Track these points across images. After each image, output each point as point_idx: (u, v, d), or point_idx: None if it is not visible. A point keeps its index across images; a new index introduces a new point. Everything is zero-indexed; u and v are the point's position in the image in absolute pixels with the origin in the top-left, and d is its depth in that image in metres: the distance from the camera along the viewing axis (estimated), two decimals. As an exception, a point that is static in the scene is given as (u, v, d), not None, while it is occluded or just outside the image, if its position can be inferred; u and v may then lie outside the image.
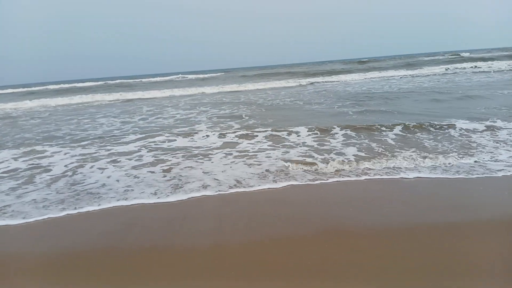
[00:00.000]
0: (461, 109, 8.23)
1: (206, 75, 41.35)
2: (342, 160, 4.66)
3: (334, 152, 5.22)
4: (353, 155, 4.99)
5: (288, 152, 5.37)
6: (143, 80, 40.82)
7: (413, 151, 4.92)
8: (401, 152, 4.92)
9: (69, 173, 5.00)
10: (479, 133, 5.79)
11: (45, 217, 3.48)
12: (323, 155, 5.09)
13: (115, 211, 3.55)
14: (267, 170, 4.51)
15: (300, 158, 4.95)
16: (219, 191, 3.91)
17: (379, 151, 5.11)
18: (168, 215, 3.40)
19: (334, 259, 2.50)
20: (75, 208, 3.63)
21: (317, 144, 5.76)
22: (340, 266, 2.42)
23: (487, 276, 2.25)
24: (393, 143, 5.52)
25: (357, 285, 2.22)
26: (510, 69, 20.61)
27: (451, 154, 4.64)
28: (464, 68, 23.79)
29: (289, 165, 4.54)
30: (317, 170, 4.37)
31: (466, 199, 3.41)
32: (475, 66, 23.98)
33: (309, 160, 4.82)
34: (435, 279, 2.22)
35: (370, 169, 4.31)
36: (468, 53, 41.58)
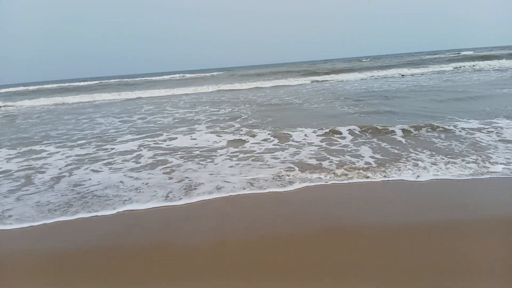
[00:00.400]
0: (463, 108, 8.21)
1: (205, 74, 41.32)
2: (365, 166, 4.40)
3: (348, 154, 5.03)
4: (370, 156, 4.82)
5: (298, 153, 5.24)
6: (143, 79, 40.81)
7: (430, 154, 4.72)
8: (417, 153, 4.78)
9: (68, 175, 4.98)
10: (486, 132, 5.69)
11: (56, 220, 3.44)
12: (338, 157, 4.91)
13: (127, 215, 3.47)
14: (283, 171, 4.39)
15: (314, 161, 4.78)
16: (233, 192, 3.84)
17: (395, 151, 4.97)
18: (186, 218, 3.33)
19: (334, 259, 2.49)
20: (89, 212, 3.57)
21: (326, 144, 5.66)
22: (341, 266, 2.41)
23: (487, 276, 2.24)
24: (405, 142, 5.41)
25: (357, 285, 2.21)
26: (507, 68, 20.57)
27: (470, 157, 4.47)
28: (464, 67, 23.76)
29: (306, 171, 4.38)
30: (336, 174, 4.18)
31: (486, 201, 3.35)
32: (474, 65, 23.92)
33: (326, 164, 4.62)
34: (436, 279, 2.21)
35: (390, 172, 4.17)
36: (470, 52, 41.42)
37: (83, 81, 44.75)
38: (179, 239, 2.94)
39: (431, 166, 4.23)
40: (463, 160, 4.39)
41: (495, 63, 24.21)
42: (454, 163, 4.31)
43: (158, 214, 3.45)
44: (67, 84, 40.36)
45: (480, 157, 4.48)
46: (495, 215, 3.04)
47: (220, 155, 5.47)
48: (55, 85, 38.34)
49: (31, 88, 36.27)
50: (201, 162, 5.11)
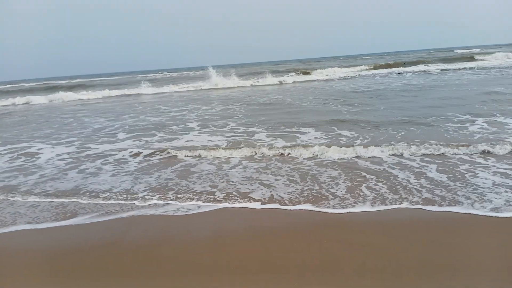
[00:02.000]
0: (465, 104, 8.02)
1: (190, 72, 40.69)
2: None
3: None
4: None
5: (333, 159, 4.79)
6: (131, 77, 40.11)
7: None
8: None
9: (71, 173, 4.92)
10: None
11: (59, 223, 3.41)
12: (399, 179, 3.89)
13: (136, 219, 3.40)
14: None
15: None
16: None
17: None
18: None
19: (334, 255, 2.54)
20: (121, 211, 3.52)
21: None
22: (341, 261, 2.46)
23: (488, 272, 2.27)
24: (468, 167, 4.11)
25: (356, 280, 2.25)
26: (492, 66, 20.54)
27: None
28: (456, 68, 23.36)
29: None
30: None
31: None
32: (468, 68, 23.68)
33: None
34: (436, 275, 2.24)
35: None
36: (464, 50, 41.32)
37: (73, 79, 43.79)
38: (182, 238, 2.99)
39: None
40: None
41: (482, 63, 23.63)
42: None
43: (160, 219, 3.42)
44: (55, 82, 39.30)
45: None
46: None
47: (235, 155, 5.26)
48: (41, 83, 37.33)
49: (13, 86, 34.99)
50: (216, 163, 4.93)
